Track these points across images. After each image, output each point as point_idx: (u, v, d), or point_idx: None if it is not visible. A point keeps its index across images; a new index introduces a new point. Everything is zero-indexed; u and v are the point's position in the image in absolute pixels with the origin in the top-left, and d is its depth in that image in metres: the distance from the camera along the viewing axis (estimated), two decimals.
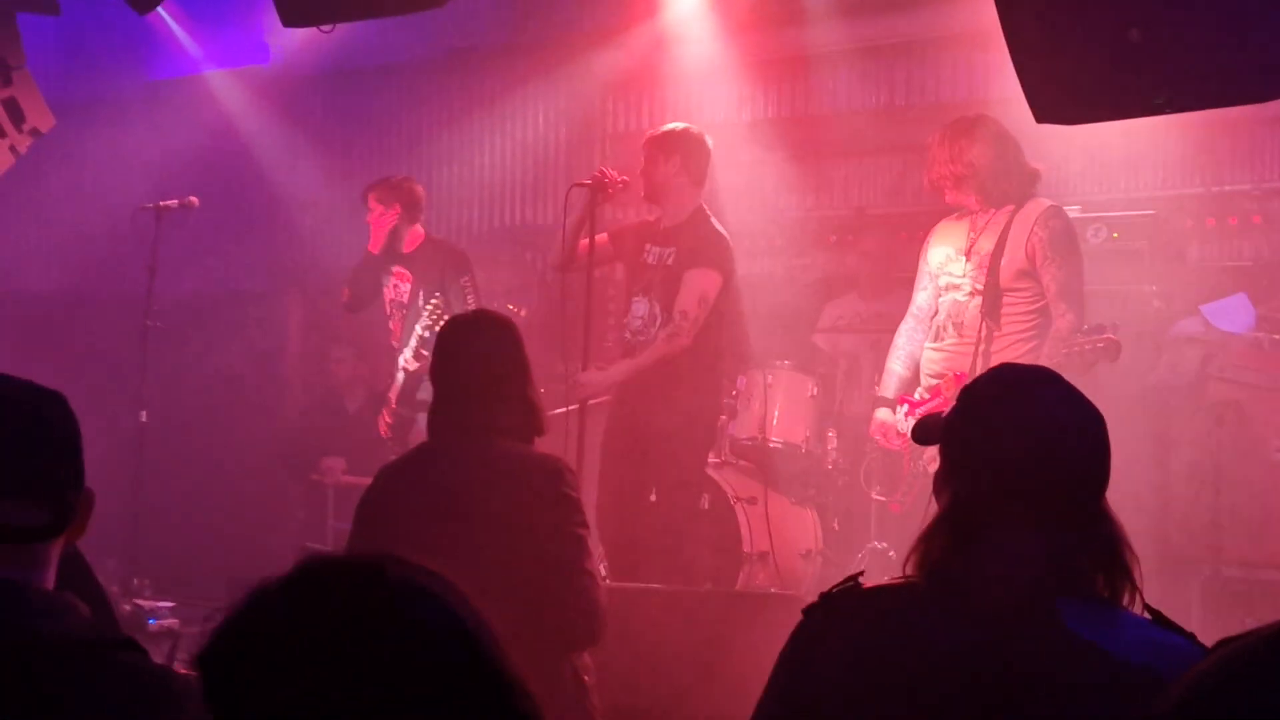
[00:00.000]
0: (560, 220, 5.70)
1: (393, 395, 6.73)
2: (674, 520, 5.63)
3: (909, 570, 1.94)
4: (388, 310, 6.96)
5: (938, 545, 1.92)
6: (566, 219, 5.59)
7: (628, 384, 5.65)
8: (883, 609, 1.93)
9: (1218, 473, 5.59)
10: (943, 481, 1.98)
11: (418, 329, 6.55)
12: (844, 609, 1.95)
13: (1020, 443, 1.90)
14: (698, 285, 5.56)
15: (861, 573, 2.05)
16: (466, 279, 6.74)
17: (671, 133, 5.73)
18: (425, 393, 6.52)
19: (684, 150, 5.67)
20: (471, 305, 6.47)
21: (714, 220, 5.73)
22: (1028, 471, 1.89)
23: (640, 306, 5.70)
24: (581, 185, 5.56)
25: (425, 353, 6.43)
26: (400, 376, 6.66)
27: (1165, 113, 3.53)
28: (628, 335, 5.73)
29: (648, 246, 5.74)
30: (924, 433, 2.09)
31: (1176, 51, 3.29)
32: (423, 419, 6.29)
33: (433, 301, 6.52)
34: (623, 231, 5.83)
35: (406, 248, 6.86)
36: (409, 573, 1.16)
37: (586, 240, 5.57)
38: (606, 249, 5.70)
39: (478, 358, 3.46)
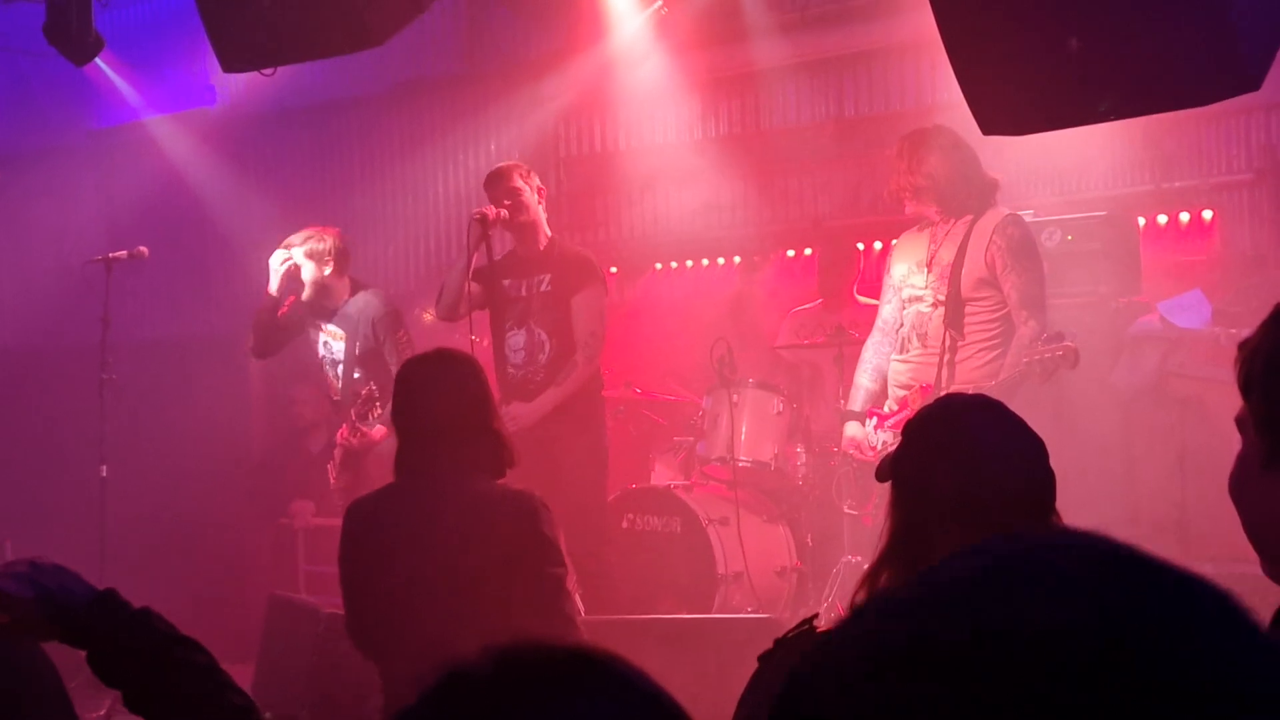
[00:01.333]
0: (465, 255, 5.75)
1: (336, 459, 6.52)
2: (597, 550, 5.66)
3: (859, 597, 1.93)
4: (320, 364, 6.68)
5: (883, 580, 1.91)
6: (471, 257, 5.66)
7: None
8: None
9: (1183, 468, 5.61)
10: (889, 515, 1.98)
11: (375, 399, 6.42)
12: (800, 655, 1.92)
13: (954, 471, 1.91)
14: (594, 304, 5.74)
15: (816, 615, 2.03)
16: (402, 333, 6.49)
17: (525, 167, 5.88)
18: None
19: (537, 182, 5.85)
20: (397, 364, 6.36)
21: (569, 243, 6.01)
22: (963, 500, 1.88)
23: (518, 339, 5.78)
24: (476, 220, 5.65)
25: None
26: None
27: (1108, 119, 3.55)
28: (510, 370, 5.79)
29: (506, 281, 5.82)
30: (881, 472, 2.09)
31: (1116, 59, 3.30)
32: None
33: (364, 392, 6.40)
34: (478, 275, 5.83)
35: (336, 302, 6.57)
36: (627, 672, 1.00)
37: (470, 285, 5.70)
38: (481, 296, 5.81)
39: (441, 396, 3.43)
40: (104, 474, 6.81)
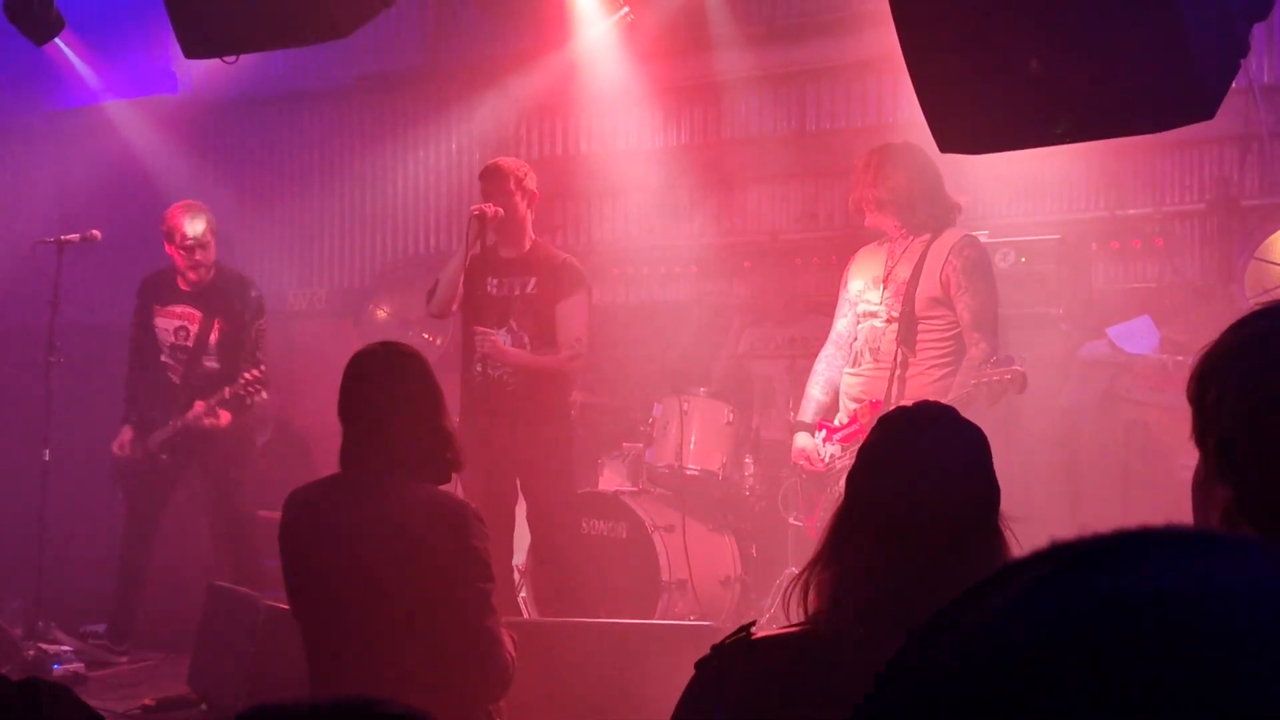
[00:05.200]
0: (463, 251, 5.71)
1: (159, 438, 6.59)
2: (558, 549, 5.67)
3: (794, 603, 1.95)
4: (159, 346, 6.70)
5: (814, 582, 1.93)
6: (467, 253, 5.62)
7: (488, 412, 5.67)
8: (774, 660, 1.92)
9: (1126, 492, 5.67)
10: (830, 520, 2.00)
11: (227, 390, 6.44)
12: (736, 662, 1.93)
13: (892, 484, 1.93)
14: (581, 311, 5.76)
15: (754, 623, 2.04)
16: (263, 321, 6.70)
17: (524, 168, 5.88)
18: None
19: (533, 185, 5.85)
20: (261, 352, 6.55)
21: (556, 248, 6.01)
22: (901, 512, 1.90)
23: (499, 339, 5.74)
24: (476, 216, 5.65)
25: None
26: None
27: (1065, 142, 3.58)
28: (478, 368, 5.70)
29: (489, 279, 5.79)
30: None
31: (1075, 82, 3.34)
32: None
33: (248, 375, 6.40)
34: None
35: (191, 284, 6.68)
36: None
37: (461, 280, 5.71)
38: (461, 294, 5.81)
39: (387, 391, 3.36)
40: (46, 457, 6.74)
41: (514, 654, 3.39)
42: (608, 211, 8.30)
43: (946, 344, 5.22)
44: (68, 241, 6.85)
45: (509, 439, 5.63)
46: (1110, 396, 5.89)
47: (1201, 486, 1.39)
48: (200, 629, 5.60)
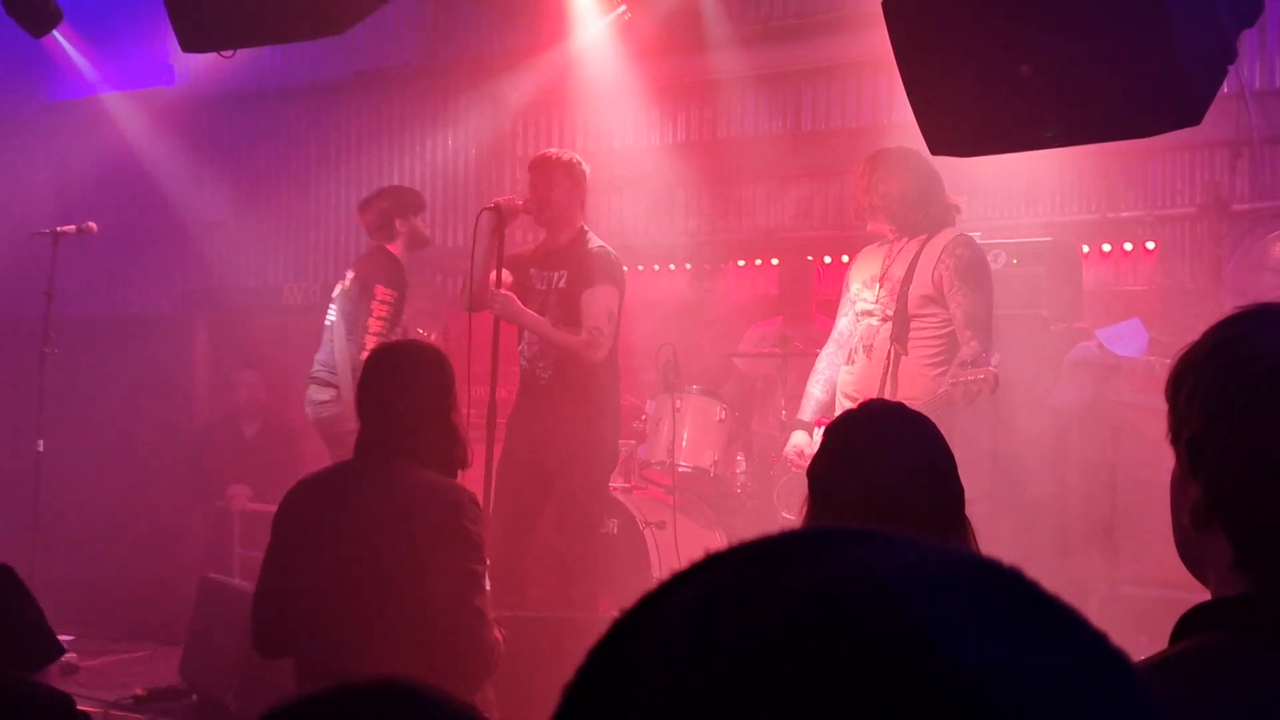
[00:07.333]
0: (470, 247, 5.66)
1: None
2: (575, 546, 5.66)
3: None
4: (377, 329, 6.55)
5: None
6: (475, 248, 5.58)
7: (528, 407, 5.67)
8: None
9: (1113, 494, 5.71)
10: (801, 517, 2.03)
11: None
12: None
13: (857, 477, 1.95)
14: (601, 302, 5.60)
15: None
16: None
17: (572, 159, 5.78)
18: None
19: (581, 176, 5.73)
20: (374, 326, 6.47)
21: (597, 238, 5.77)
22: (862, 506, 1.93)
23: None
24: (488, 210, 5.55)
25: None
26: None
27: (1055, 146, 3.62)
28: (524, 363, 5.73)
29: (532, 271, 5.74)
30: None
31: (1066, 86, 3.37)
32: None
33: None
34: (512, 261, 5.77)
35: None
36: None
37: (494, 273, 5.56)
38: (510, 283, 5.70)
39: (397, 385, 3.49)
40: (40, 448, 6.76)
41: (500, 641, 3.44)
42: (603, 209, 8.32)
43: (939, 342, 5.26)
44: (64, 233, 6.87)
45: (545, 436, 5.57)
46: (1099, 398, 5.92)
47: (1177, 485, 1.41)
48: (192, 620, 5.63)
